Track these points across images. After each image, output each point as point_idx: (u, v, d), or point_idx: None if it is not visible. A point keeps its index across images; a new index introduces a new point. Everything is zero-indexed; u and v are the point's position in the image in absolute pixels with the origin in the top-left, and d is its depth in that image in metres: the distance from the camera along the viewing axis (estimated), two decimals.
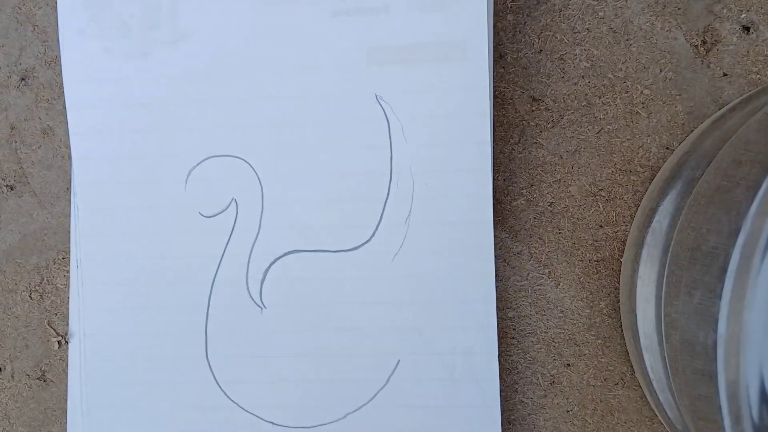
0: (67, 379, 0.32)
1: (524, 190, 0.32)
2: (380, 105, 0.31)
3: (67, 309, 0.33)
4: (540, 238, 0.31)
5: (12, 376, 0.33)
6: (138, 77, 0.32)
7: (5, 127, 0.33)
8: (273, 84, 0.32)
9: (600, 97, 0.31)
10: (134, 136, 0.32)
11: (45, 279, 0.33)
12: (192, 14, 0.31)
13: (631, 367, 0.31)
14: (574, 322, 0.31)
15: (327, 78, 0.31)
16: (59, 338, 0.33)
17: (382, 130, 0.31)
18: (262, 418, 0.31)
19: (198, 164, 0.32)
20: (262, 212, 0.32)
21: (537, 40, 0.31)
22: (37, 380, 0.33)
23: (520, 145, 0.32)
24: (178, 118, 0.32)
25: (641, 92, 0.31)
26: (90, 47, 0.32)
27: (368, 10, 0.31)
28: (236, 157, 0.32)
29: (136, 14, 0.32)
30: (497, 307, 0.31)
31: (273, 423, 0.31)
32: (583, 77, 0.31)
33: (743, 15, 0.31)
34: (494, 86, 0.32)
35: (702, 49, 0.31)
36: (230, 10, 0.31)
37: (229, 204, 0.32)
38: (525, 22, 0.32)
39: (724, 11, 0.31)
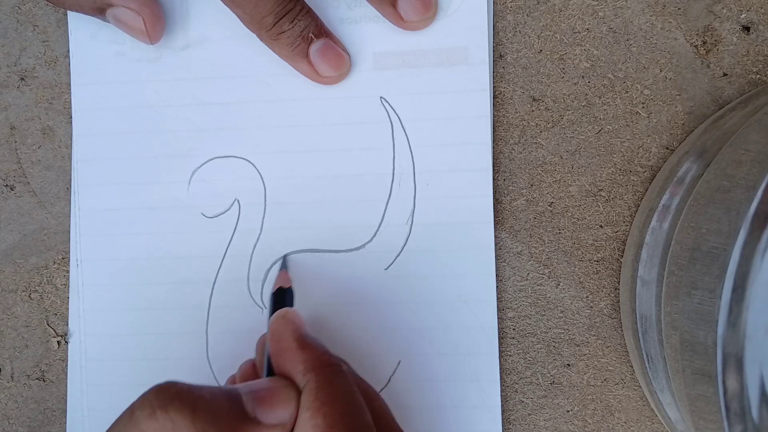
0: (66, 379, 0.32)
1: (524, 190, 0.32)
2: (384, 107, 0.31)
3: (67, 309, 0.33)
4: (540, 238, 0.31)
5: (12, 376, 0.33)
6: (148, 80, 0.32)
7: (5, 127, 0.33)
8: (278, 87, 0.32)
9: (600, 97, 0.31)
10: (139, 138, 0.32)
11: (45, 279, 0.33)
12: (203, 22, 0.32)
13: (631, 367, 0.31)
14: (574, 322, 0.31)
15: None
16: (59, 338, 0.33)
17: (385, 131, 0.31)
18: None
19: (202, 165, 0.32)
20: (264, 213, 0.32)
21: (537, 40, 0.32)
22: (37, 380, 0.33)
23: (520, 145, 0.32)
24: (184, 119, 0.32)
25: (641, 92, 0.31)
26: (101, 51, 0.32)
27: (374, 18, 0.31)
28: (240, 158, 0.32)
29: None
30: (497, 307, 0.31)
31: None
32: (583, 77, 0.31)
33: (743, 15, 0.31)
34: (494, 86, 0.32)
35: (702, 49, 0.31)
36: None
37: (232, 204, 0.32)
38: (525, 22, 0.32)
39: (724, 11, 0.31)
